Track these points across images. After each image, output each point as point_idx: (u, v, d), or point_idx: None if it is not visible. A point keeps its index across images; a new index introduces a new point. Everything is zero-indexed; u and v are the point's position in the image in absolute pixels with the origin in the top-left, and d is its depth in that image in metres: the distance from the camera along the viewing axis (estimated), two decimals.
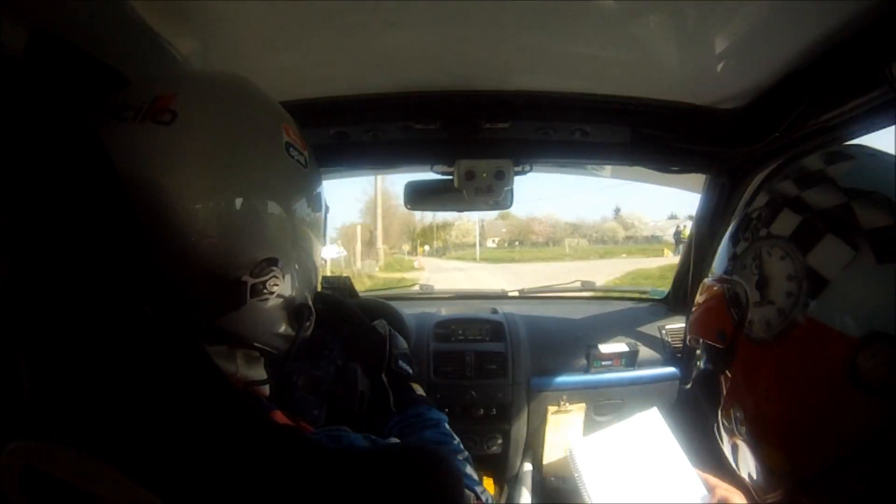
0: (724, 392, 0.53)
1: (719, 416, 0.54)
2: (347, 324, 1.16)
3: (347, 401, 1.08)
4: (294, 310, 0.59)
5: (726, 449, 0.54)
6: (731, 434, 0.52)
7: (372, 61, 0.91)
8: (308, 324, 0.61)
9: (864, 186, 0.42)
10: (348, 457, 0.50)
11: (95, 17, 0.65)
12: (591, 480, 0.83)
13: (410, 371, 0.95)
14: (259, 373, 0.62)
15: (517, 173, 1.19)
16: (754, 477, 0.50)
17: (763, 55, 0.84)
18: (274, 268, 0.54)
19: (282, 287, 0.55)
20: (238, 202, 0.52)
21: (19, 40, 0.59)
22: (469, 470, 0.70)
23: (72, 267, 0.40)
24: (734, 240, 0.51)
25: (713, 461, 0.81)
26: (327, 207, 0.70)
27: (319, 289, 1.40)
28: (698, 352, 0.59)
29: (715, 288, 0.53)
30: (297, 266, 0.59)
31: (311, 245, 0.62)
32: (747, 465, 0.50)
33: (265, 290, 0.54)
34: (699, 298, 0.57)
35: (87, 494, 0.39)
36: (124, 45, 0.71)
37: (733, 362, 0.49)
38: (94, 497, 0.39)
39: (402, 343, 1.00)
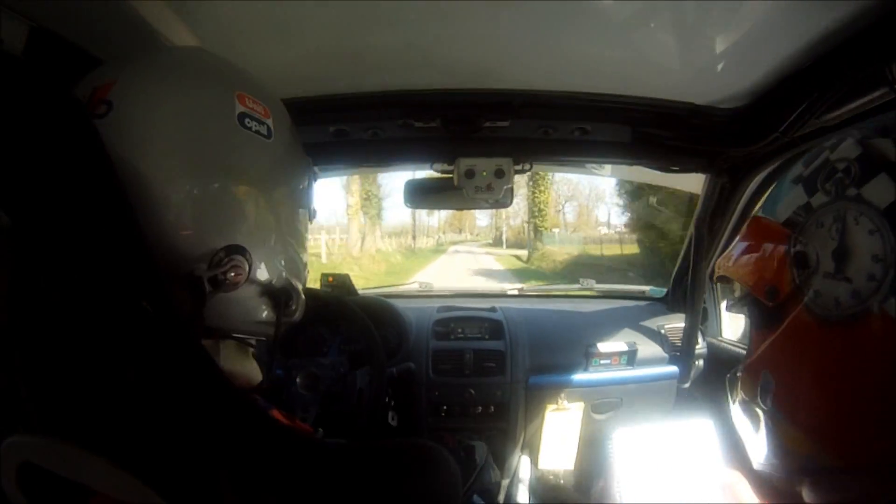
0: (755, 349, 0.48)
1: (740, 374, 0.50)
2: (346, 321, 1.17)
3: (346, 400, 1.08)
4: (273, 294, 0.56)
5: (734, 408, 0.51)
6: (748, 396, 0.48)
7: (372, 59, 0.91)
8: (293, 307, 0.58)
9: None
10: (349, 453, 0.50)
11: (94, 15, 0.65)
12: (625, 474, 0.80)
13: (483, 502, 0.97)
14: (247, 365, 0.60)
15: (517, 172, 1.19)
16: (763, 450, 0.47)
17: (763, 55, 0.84)
18: (235, 256, 0.51)
19: (252, 273, 0.52)
20: (186, 189, 0.49)
21: (19, 38, 0.59)
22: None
23: (69, 261, 0.40)
24: (809, 187, 0.44)
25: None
26: (315, 175, 0.65)
27: (318, 285, 1.41)
28: (731, 294, 0.54)
29: (778, 237, 0.46)
30: (271, 247, 0.55)
31: (289, 222, 0.58)
32: (755, 432, 0.47)
33: (227, 281, 0.50)
34: (748, 234, 0.50)
35: (86, 489, 0.39)
36: (122, 43, 0.71)
37: (777, 325, 0.44)
38: (92, 492, 0.39)
39: (492, 478, 1.03)
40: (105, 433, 0.39)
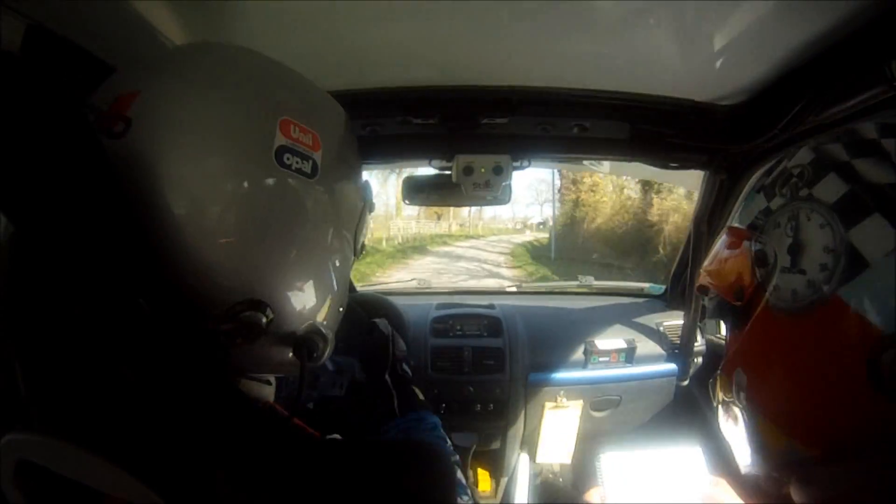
0: (729, 351, 0.50)
1: (718, 375, 0.52)
2: (345, 319, 1.17)
3: (343, 399, 1.08)
4: (295, 342, 0.50)
5: (718, 411, 0.52)
6: (726, 395, 0.50)
7: (371, 56, 0.91)
8: (317, 354, 0.51)
9: None
10: (346, 450, 0.50)
11: (93, 13, 0.65)
12: (614, 493, 0.82)
13: (411, 374, 0.93)
14: (261, 392, 0.57)
15: (515, 168, 1.19)
16: (746, 451, 0.48)
17: (763, 52, 0.84)
18: (251, 312, 0.45)
19: (272, 325, 0.47)
20: (202, 232, 0.43)
21: (16, 35, 0.59)
22: (458, 475, 0.65)
23: (65, 259, 0.40)
24: (769, 193, 0.47)
25: (710, 458, 0.81)
26: (372, 206, 0.59)
27: None
28: (707, 301, 0.55)
29: (740, 241, 0.49)
30: (300, 295, 0.49)
31: (324, 266, 0.51)
32: (737, 432, 0.49)
33: (240, 337, 0.45)
34: (721, 241, 0.53)
35: (84, 488, 0.39)
36: (122, 42, 0.70)
37: (746, 323, 0.47)
38: (89, 490, 0.39)
39: (402, 345, 0.97)
40: (102, 431, 0.39)
